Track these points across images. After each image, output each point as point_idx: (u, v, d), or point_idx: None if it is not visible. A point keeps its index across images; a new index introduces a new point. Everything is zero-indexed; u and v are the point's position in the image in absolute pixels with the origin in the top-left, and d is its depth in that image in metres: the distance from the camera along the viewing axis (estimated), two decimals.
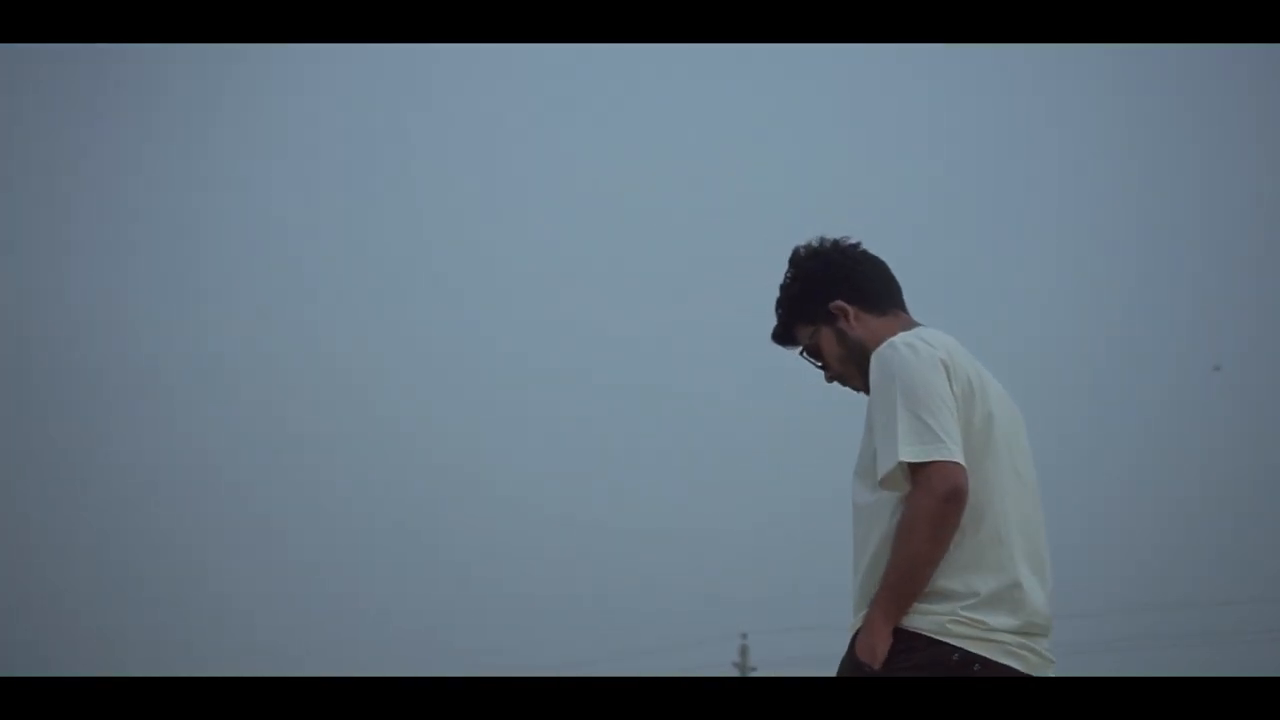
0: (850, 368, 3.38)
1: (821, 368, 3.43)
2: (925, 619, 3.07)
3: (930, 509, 3.03)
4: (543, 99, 45.67)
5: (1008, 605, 3.10)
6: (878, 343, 3.26)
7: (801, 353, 3.45)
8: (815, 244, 3.43)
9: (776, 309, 3.46)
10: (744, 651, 35.68)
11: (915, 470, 3.06)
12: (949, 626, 3.06)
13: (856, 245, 3.43)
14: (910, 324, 3.36)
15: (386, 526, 39.97)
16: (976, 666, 3.04)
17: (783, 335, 3.47)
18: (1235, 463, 38.31)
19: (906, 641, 3.06)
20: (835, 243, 3.42)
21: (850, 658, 3.13)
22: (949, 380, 3.13)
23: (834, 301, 3.37)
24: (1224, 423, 40.24)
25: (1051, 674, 3.18)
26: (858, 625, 3.16)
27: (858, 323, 3.36)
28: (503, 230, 44.72)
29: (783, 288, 3.45)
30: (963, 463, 3.06)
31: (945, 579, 3.08)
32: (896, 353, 3.16)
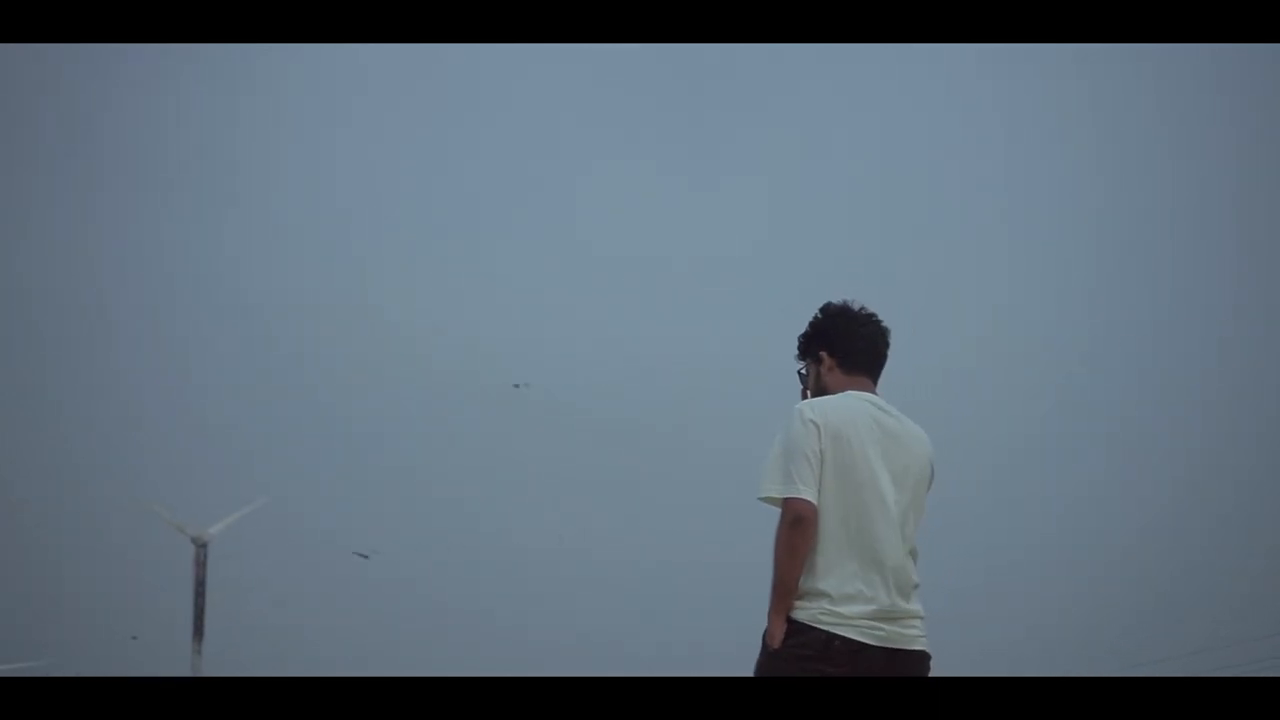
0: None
1: (804, 385, 4.88)
2: (804, 612, 4.54)
3: (782, 533, 4.52)
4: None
5: (858, 600, 4.52)
6: (829, 394, 4.72)
7: (799, 371, 4.92)
8: (838, 306, 4.87)
9: (799, 336, 4.91)
10: None
11: (783, 500, 4.51)
12: (819, 616, 4.52)
13: (867, 316, 4.84)
14: (859, 387, 4.75)
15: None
16: (837, 643, 4.47)
17: (798, 353, 4.93)
18: None
19: (794, 626, 4.52)
20: (849, 311, 4.85)
21: (763, 641, 4.53)
22: (818, 437, 4.54)
23: (823, 352, 4.83)
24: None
25: (917, 648, 4.56)
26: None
27: (830, 374, 4.83)
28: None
29: (809, 323, 4.89)
30: (808, 498, 4.51)
31: (815, 583, 4.52)
32: (792, 417, 4.61)
